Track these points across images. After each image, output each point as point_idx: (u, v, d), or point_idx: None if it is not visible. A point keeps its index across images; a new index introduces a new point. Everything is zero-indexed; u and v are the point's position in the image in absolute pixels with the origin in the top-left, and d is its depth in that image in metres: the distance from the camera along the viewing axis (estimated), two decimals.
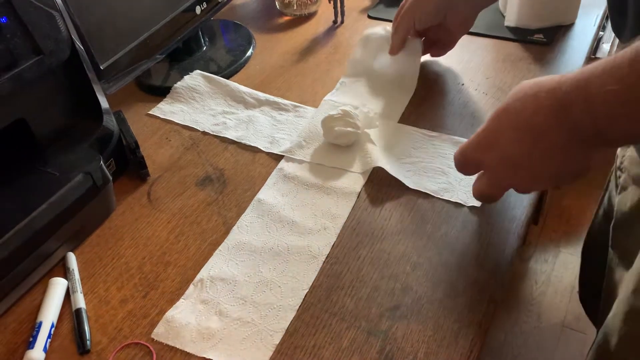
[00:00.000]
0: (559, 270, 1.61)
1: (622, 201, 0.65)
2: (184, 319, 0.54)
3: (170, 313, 0.55)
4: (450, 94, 0.79)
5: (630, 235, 0.63)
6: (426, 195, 0.64)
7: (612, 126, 0.42)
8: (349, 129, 0.68)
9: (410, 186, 0.65)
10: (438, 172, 0.66)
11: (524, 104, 0.46)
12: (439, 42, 0.81)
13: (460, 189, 0.64)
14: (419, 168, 0.67)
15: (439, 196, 0.64)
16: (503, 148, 0.48)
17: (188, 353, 0.52)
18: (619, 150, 0.66)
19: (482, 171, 0.53)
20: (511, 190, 0.64)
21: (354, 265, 0.58)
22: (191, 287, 0.57)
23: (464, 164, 0.53)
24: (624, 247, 0.66)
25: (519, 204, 0.62)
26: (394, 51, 0.79)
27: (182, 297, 0.56)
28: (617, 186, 0.67)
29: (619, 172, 0.66)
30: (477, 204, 0.62)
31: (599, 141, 0.44)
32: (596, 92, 0.41)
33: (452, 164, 0.67)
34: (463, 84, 0.80)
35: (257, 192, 0.67)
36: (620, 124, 0.41)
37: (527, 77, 0.79)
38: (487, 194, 0.54)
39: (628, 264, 0.61)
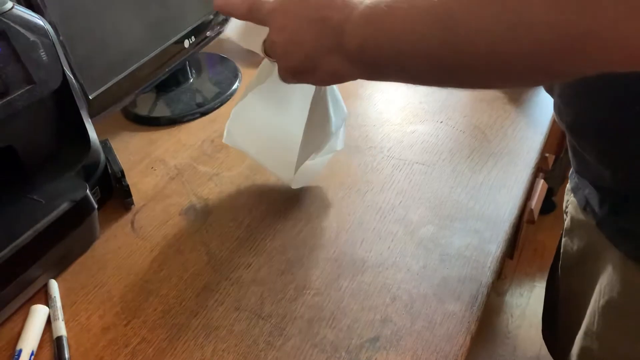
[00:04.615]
0: (534, 304, 1.63)
1: (567, 243, 0.66)
2: None
3: None
4: (428, 130, 0.81)
5: (576, 277, 0.65)
6: (405, 230, 0.66)
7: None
8: None
9: None
10: None
11: None
12: None
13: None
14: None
15: None
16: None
17: None
18: (565, 194, 0.67)
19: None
20: (487, 226, 0.66)
21: (335, 297, 0.59)
22: None
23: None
24: (570, 288, 0.67)
25: (494, 239, 0.64)
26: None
27: None
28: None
29: (564, 215, 0.67)
30: None
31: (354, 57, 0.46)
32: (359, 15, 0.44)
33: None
34: (441, 122, 0.83)
35: (241, 222, 0.68)
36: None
37: (502, 116, 0.83)
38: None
39: (575, 303, 0.64)
